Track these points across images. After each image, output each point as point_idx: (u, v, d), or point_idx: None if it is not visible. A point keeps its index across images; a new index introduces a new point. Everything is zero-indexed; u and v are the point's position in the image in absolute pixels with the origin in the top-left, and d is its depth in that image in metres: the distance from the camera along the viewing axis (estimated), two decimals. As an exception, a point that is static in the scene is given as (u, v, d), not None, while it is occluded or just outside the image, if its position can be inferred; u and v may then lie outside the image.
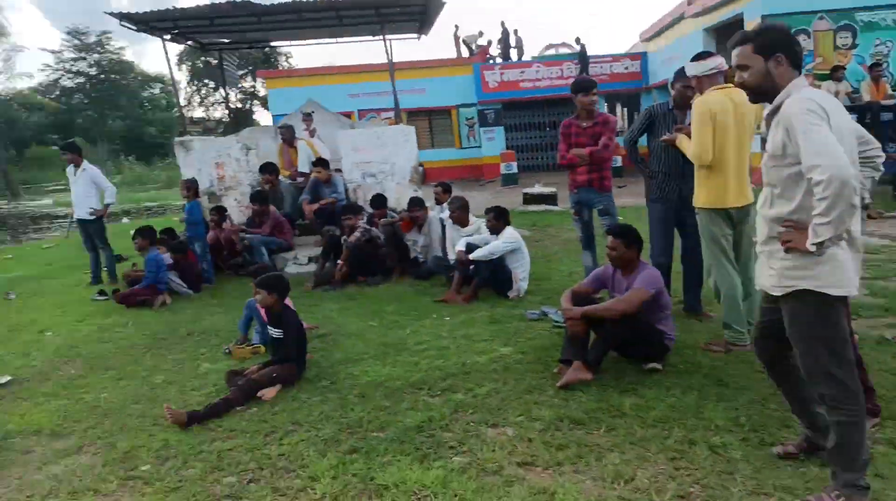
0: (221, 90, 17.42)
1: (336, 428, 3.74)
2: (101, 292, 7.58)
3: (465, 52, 25.20)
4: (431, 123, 23.69)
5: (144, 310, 6.89)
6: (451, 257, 6.96)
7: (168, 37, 10.56)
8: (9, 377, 4.92)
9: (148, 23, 9.69)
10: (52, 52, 51.49)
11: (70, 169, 8.48)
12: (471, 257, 6.41)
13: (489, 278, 6.43)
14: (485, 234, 6.75)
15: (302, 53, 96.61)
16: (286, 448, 3.54)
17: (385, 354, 4.98)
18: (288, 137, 9.88)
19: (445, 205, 7.73)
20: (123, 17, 9.31)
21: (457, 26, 25.78)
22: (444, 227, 7.55)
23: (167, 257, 7.49)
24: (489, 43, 24.97)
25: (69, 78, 52.35)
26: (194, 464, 3.43)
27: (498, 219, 6.50)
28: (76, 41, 50.56)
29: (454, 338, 5.24)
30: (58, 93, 53.66)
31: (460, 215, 7.09)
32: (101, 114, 51.37)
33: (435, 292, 6.92)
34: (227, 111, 31.75)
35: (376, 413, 3.90)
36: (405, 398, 4.11)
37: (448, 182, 8.70)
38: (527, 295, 6.43)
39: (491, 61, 24.10)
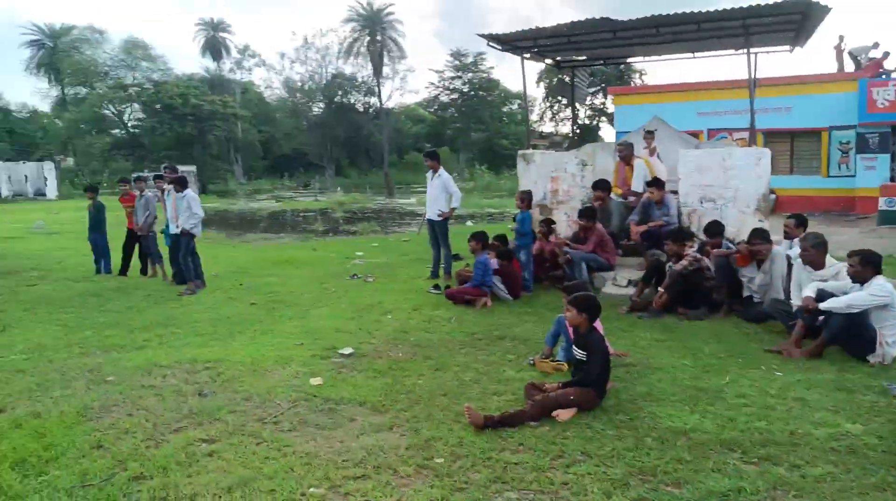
0: (574, 106, 18.01)
1: (626, 470, 3.46)
2: (436, 287, 8.41)
3: (849, 66, 21.65)
4: (794, 146, 20.92)
5: (468, 308, 7.41)
6: (795, 302, 5.95)
7: (527, 55, 11.25)
8: (352, 350, 5.73)
9: (511, 42, 10.46)
10: (437, 72, 59.86)
11: (429, 174, 9.59)
12: (822, 306, 5.38)
13: (842, 335, 5.32)
14: (844, 281, 5.61)
15: (656, 70, 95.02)
16: (571, 478, 3.39)
17: (695, 399, 4.46)
18: (626, 154, 9.67)
19: (796, 241, 6.66)
20: (491, 38, 10.21)
21: (841, 37, 22.27)
22: (790, 266, 6.51)
23: (494, 263, 7.95)
24: (885, 55, 20.99)
25: (446, 94, 60.24)
26: (481, 469, 3.50)
27: (865, 265, 5.32)
28: (456, 62, 57.91)
29: (784, 399, 4.45)
30: (436, 107, 62.23)
31: (814, 255, 5.99)
32: (466, 126, 57.93)
33: (767, 339, 6.02)
34: (573, 127, 32.79)
35: (674, 465, 3.50)
36: (711, 456, 3.61)
37: (804, 214, 7.48)
38: (894, 364, 5.16)
39: (885, 76, 20.23)
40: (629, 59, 14.75)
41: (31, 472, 3.43)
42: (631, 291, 7.70)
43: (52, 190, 38.14)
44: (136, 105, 50.71)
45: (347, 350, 5.70)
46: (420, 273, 9.74)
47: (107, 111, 51.26)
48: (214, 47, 61.37)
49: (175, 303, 8.09)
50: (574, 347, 4.65)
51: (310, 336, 6.28)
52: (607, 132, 51.65)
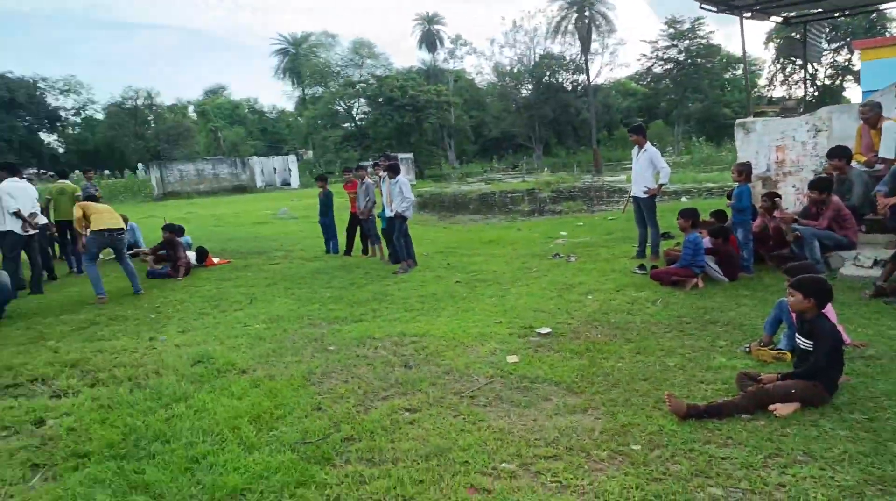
0: (808, 66, 15.95)
1: (860, 477, 3.02)
2: (641, 267, 8.00)
3: None
4: None
5: (676, 290, 6.95)
6: None
7: (748, 14, 10.19)
8: (549, 330, 5.69)
9: (728, 2, 9.53)
10: (649, 42, 56.77)
11: (635, 149, 9.14)
12: None
13: None
14: None
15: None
16: (788, 480, 3.05)
17: (958, 403, 3.72)
18: (871, 116, 8.27)
19: None
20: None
21: None
22: None
23: (707, 241, 7.35)
24: None
25: (660, 65, 56.88)
26: (681, 461, 3.28)
27: None
28: (671, 30, 54.35)
29: None
30: (648, 79, 59.11)
31: None
32: (682, 97, 54.25)
33: None
34: (810, 89, 29.01)
35: (927, 478, 2.97)
36: (979, 471, 3.00)
37: None
38: None
39: None
40: (881, 6, 12.62)
41: (264, 427, 3.93)
42: (877, 273, 6.62)
43: (295, 180, 43.26)
44: (362, 100, 55.47)
45: (545, 330, 5.68)
46: (625, 253, 9.36)
47: (338, 107, 56.81)
48: (430, 40, 64.56)
49: (389, 280, 8.72)
50: (798, 335, 4.15)
51: (509, 315, 6.37)
52: (853, 93, 45.00)
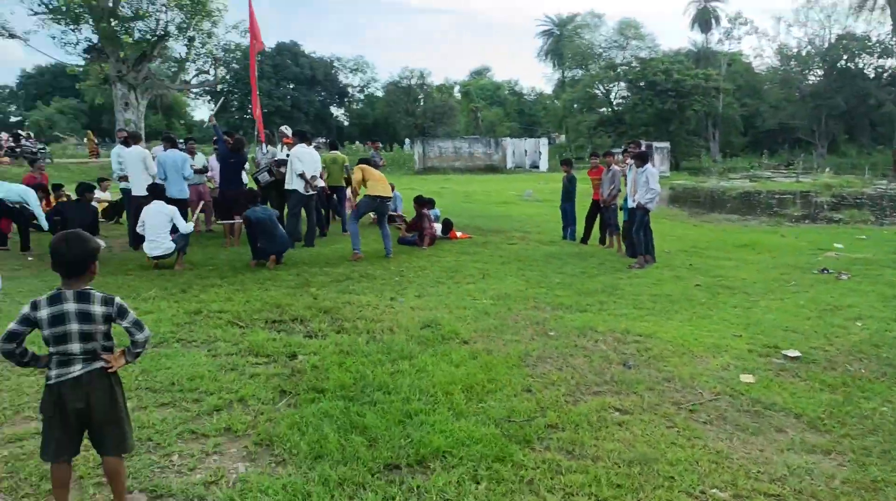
0: None
1: None
2: (937, 296, 6.63)
3: None
4: None
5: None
6: None
7: None
8: (799, 353, 5.00)
9: None
10: None
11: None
12: None
13: None
14: None
15: None
16: None
17: None
18: None
19: None
20: None
21: None
22: None
23: None
24: None
25: None
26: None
27: None
28: None
29: None
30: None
31: None
32: None
33: None
34: None
35: None
36: None
37: None
38: None
39: None
40: None
41: (474, 398, 4.08)
42: None
43: (544, 163, 43.68)
44: (622, 84, 53.72)
45: (793, 353, 5.00)
46: (917, 277, 7.83)
47: (597, 91, 55.76)
48: (704, 18, 59.92)
49: (622, 274, 8.39)
50: None
51: (751, 329, 5.74)
52: None
